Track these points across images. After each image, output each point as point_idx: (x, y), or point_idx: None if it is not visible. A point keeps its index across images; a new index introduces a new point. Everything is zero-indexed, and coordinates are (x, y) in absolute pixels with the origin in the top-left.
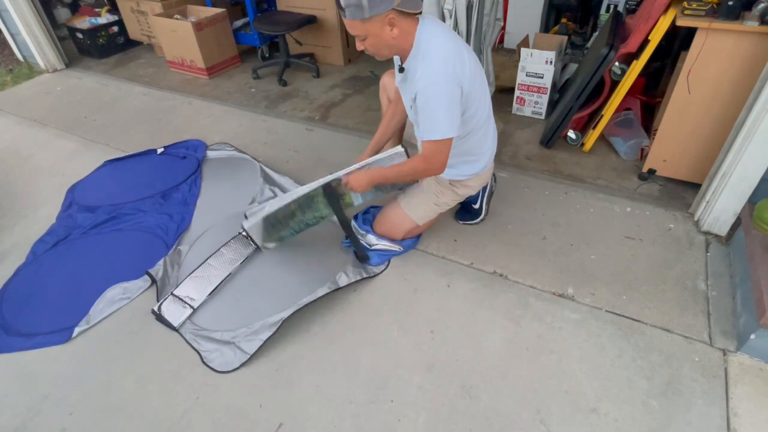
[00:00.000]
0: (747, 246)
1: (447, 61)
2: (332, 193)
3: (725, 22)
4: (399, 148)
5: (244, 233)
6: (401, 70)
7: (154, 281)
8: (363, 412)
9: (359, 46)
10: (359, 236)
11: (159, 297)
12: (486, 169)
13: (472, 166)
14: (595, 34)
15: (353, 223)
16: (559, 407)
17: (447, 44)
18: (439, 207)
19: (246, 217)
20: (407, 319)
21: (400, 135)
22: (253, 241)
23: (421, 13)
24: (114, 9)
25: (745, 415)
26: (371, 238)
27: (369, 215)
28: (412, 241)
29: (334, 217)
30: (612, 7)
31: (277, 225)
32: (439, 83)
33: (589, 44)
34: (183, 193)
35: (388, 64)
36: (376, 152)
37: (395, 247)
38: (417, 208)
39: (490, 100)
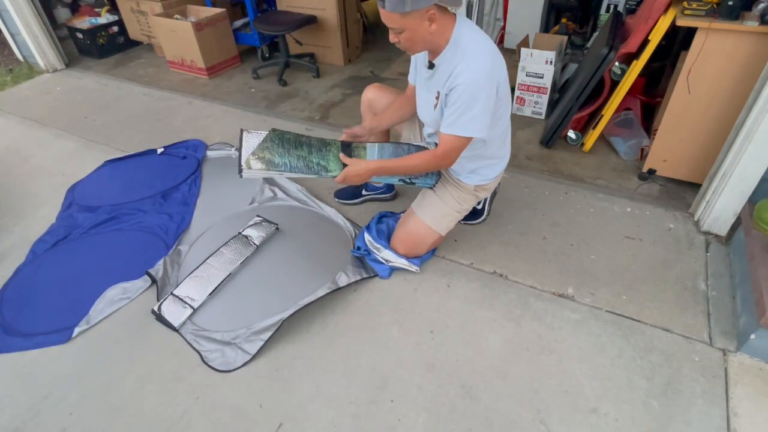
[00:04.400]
0: (747, 246)
1: (490, 59)
2: (348, 150)
3: (725, 22)
4: (424, 144)
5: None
6: (431, 66)
7: (154, 281)
8: (363, 412)
9: (393, 39)
10: (374, 250)
11: (159, 297)
12: (503, 169)
13: (494, 169)
14: (595, 34)
15: (366, 235)
16: (559, 407)
17: (488, 43)
18: (460, 214)
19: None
20: (407, 319)
21: (386, 136)
22: (240, 147)
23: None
24: (114, 9)
25: (745, 415)
26: (389, 255)
27: (383, 225)
28: (429, 254)
29: (334, 175)
30: (612, 7)
31: (278, 144)
32: (482, 81)
33: (589, 44)
34: (183, 193)
35: (389, 64)
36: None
37: (412, 267)
38: (441, 220)
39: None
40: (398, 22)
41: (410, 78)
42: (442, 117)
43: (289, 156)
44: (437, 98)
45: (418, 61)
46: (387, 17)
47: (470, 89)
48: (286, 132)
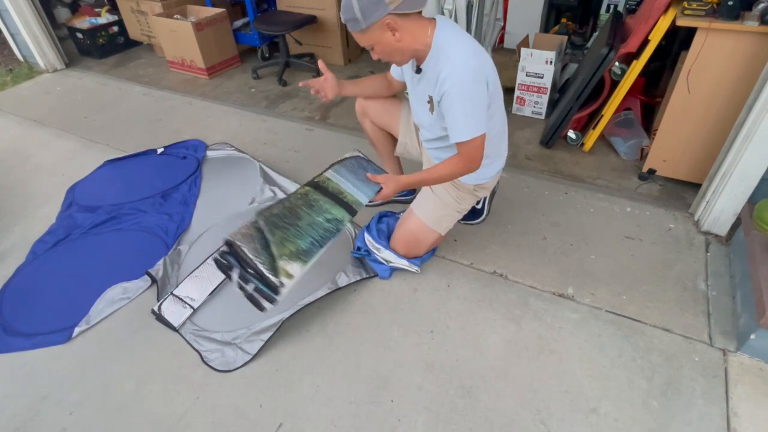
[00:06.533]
0: (747, 246)
1: (473, 57)
2: (324, 188)
3: (725, 22)
4: (355, 151)
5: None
6: (418, 70)
7: (154, 281)
8: (363, 412)
9: (374, 56)
10: (374, 250)
11: (159, 297)
12: (501, 168)
13: (491, 167)
14: (595, 34)
15: (366, 235)
16: (559, 407)
17: (468, 41)
18: (459, 213)
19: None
20: (407, 319)
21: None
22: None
23: (421, 12)
24: (114, 9)
25: (745, 415)
26: (389, 255)
27: (383, 225)
28: (429, 254)
29: (348, 221)
30: (612, 7)
31: (280, 227)
32: (467, 82)
33: (589, 44)
34: (183, 193)
35: (388, 64)
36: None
37: (413, 268)
38: (441, 220)
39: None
40: (364, 40)
41: (394, 71)
42: (441, 120)
43: (304, 232)
44: (429, 102)
45: (405, 66)
46: (356, 38)
47: (459, 91)
48: (265, 208)
